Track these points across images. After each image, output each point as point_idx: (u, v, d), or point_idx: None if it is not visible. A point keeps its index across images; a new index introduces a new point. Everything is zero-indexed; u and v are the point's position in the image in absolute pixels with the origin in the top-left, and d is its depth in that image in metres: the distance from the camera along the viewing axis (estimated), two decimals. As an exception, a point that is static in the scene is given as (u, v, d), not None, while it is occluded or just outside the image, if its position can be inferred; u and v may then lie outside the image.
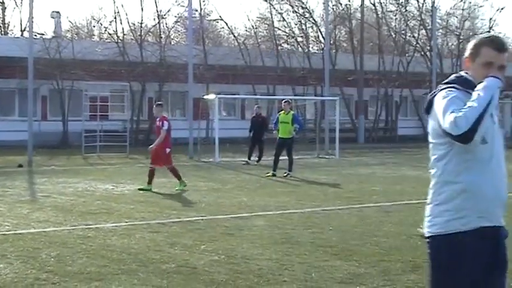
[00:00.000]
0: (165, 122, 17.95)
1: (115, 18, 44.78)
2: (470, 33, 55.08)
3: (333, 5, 48.87)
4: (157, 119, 18.33)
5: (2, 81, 38.62)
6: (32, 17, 29.66)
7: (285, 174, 21.28)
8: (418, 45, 51.80)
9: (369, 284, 7.90)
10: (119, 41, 43.91)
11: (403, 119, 52.74)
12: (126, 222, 12.44)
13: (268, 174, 21.43)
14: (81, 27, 51.10)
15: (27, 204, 14.79)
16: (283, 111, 22.06)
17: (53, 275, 8.18)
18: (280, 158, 21.85)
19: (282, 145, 21.72)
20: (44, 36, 43.39)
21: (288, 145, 21.61)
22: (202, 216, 13.15)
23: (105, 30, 47.21)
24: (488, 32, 54.40)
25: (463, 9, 53.29)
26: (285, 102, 22.79)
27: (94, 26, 49.77)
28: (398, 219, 13.09)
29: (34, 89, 30.48)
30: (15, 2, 48.82)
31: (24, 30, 45.52)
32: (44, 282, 7.90)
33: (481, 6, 54.44)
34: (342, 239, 10.77)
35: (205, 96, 33.48)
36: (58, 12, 45.59)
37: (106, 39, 46.21)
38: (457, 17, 53.68)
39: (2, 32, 49.82)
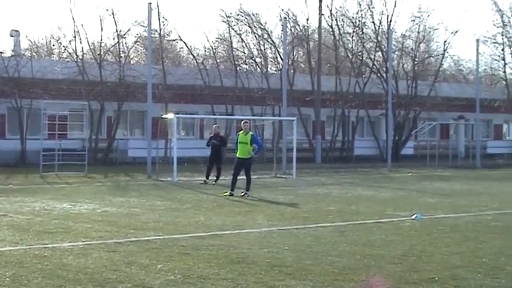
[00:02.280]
0: None
1: (74, 37, 44.55)
2: (426, 56, 55.81)
3: (291, 27, 49.12)
4: None
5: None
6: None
7: (242, 194, 21.27)
8: (374, 66, 52.13)
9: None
10: (78, 60, 43.74)
11: (359, 139, 53.03)
12: (83, 241, 12.34)
13: (225, 194, 21.41)
14: (41, 46, 50.83)
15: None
16: (242, 132, 22.07)
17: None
18: (238, 177, 21.87)
19: (240, 165, 21.72)
20: (2, 55, 43.15)
21: (246, 165, 21.63)
22: (159, 236, 13.10)
23: (65, 49, 46.95)
24: (443, 54, 55.23)
25: (418, 32, 53.86)
26: (244, 122, 22.79)
27: (53, 45, 49.49)
28: (352, 239, 13.17)
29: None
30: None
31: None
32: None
33: (435, 29, 55.15)
34: (297, 258, 10.81)
35: (164, 116, 33.45)
36: (17, 30, 45.37)
37: (65, 58, 45.99)
38: (412, 40, 54.22)
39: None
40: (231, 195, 21.24)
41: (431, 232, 14.12)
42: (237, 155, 21.87)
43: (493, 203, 20.58)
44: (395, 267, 10.17)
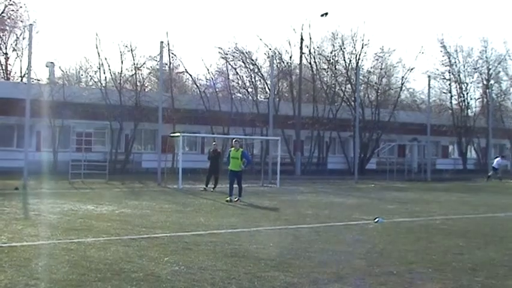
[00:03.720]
0: None
1: (99, 68, 44.67)
2: (387, 88, 55.99)
3: (277, 63, 49.24)
4: None
5: (3, 118, 38.07)
6: (31, 66, 29.38)
7: (236, 200, 21.22)
8: (344, 96, 52.29)
9: (301, 291, 7.92)
10: (102, 87, 43.78)
11: (331, 155, 53.20)
12: (103, 237, 12.27)
13: (227, 199, 21.30)
14: (71, 75, 50.77)
15: (21, 221, 14.51)
16: (233, 148, 22.03)
17: (40, 282, 8.03)
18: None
19: (233, 176, 21.68)
20: (39, 82, 43.13)
21: (238, 176, 21.57)
22: (166, 233, 13.03)
23: (91, 78, 47.04)
24: (401, 87, 55.51)
25: (381, 69, 54.05)
26: (235, 141, 22.77)
27: (82, 75, 49.52)
28: (326, 238, 13.14)
29: (30, 125, 30.11)
30: (17, 54, 48.39)
31: (24, 76, 44.95)
32: (32, 287, 7.76)
33: (395, 67, 55.40)
34: (280, 254, 10.77)
35: (172, 134, 33.40)
36: (52, 62, 45.25)
37: (91, 85, 46.01)
38: (376, 75, 54.38)
39: (5, 78, 49.18)
40: (230, 200, 21.14)
41: (391, 233, 14.11)
42: (230, 168, 21.81)
43: (441, 209, 20.61)
44: (361, 262, 10.16)
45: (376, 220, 15.83)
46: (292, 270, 9.18)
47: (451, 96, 60.97)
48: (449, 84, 60.49)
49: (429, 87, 46.77)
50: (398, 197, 26.23)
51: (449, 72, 59.93)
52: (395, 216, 17.75)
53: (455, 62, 59.82)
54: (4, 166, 34.97)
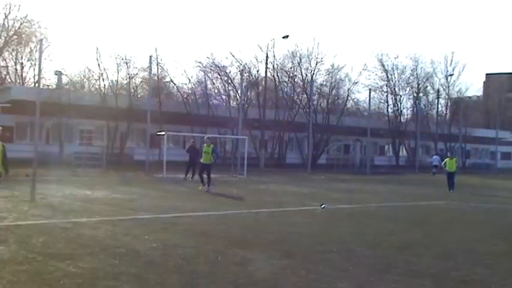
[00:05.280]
0: None
1: (99, 77, 44.15)
2: (336, 98, 56.23)
3: (247, 75, 49.25)
4: None
5: (19, 116, 37.28)
6: (41, 74, 28.81)
7: (206, 190, 20.60)
8: (301, 104, 52.48)
9: (258, 265, 7.79)
10: (101, 93, 43.24)
11: (289, 152, 53.31)
12: (96, 218, 12.04)
13: (199, 188, 20.90)
14: (76, 81, 49.86)
15: (27, 203, 14.18)
16: (206, 144, 21.63)
17: (38, 255, 7.80)
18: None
19: (203, 168, 21.24)
20: (49, 87, 42.45)
21: (208, 168, 21.14)
22: (148, 215, 12.85)
23: (92, 85, 46.42)
24: (347, 97, 55.93)
25: (331, 83, 54.38)
26: (207, 138, 22.45)
27: (85, 82, 48.76)
28: (281, 220, 13.09)
29: (40, 123, 29.54)
30: (31, 63, 47.59)
31: (36, 82, 44.20)
32: (30, 260, 7.52)
33: (342, 80, 55.69)
34: (242, 233, 10.67)
35: (158, 133, 33.05)
36: (60, 71, 44.56)
37: (93, 91, 45.39)
38: (327, 87, 54.67)
39: (21, 83, 48.32)
40: (201, 189, 20.67)
41: (334, 217, 14.11)
42: (202, 161, 21.40)
43: (376, 198, 20.70)
44: (308, 241, 10.10)
45: (322, 206, 15.78)
46: (251, 248, 9.08)
47: (388, 105, 61.73)
48: (387, 96, 61.26)
49: (370, 97, 47.07)
50: (342, 187, 26.31)
51: (386, 86, 60.62)
52: (338, 203, 17.78)
53: (391, 78, 60.46)
54: (19, 157, 34.19)
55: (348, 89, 56.06)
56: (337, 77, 54.83)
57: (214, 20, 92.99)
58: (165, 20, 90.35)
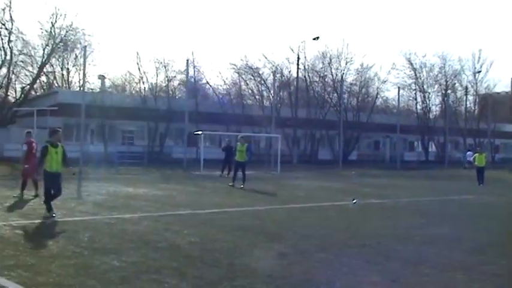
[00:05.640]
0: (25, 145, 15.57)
1: (140, 80, 44.64)
2: (365, 96, 55.69)
3: (279, 76, 49.19)
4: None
5: (66, 118, 37.93)
6: (86, 78, 29.29)
7: (241, 186, 20.59)
8: (332, 103, 52.15)
9: (293, 259, 7.72)
10: (142, 95, 43.70)
11: (321, 149, 53.00)
12: (138, 214, 12.13)
13: (230, 184, 20.84)
14: (118, 85, 50.57)
15: (74, 200, 14.41)
16: (240, 143, 21.55)
17: (84, 250, 7.90)
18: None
19: (238, 166, 21.18)
20: (93, 91, 43.09)
21: (242, 166, 21.11)
22: (187, 211, 12.91)
23: (133, 88, 46.96)
24: (376, 95, 55.38)
25: (360, 81, 53.90)
26: (240, 137, 22.38)
27: (126, 85, 49.42)
28: (313, 215, 12.99)
29: (85, 124, 30.03)
30: (76, 68, 48.38)
31: (81, 86, 44.95)
32: (77, 254, 7.62)
33: (372, 79, 55.21)
34: (276, 228, 10.62)
35: (195, 132, 33.25)
36: (103, 75, 45.19)
37: (134, 93, 45.90)
38: (356, 86, 54.23)
39: (67, 87, 49.21)
40: (233, 186, 20.60)
41: (365, 212, 13.94)
42: (236, 159, 21.34)
43: (407, 193, 20.39)
44: (340, 235, 9.99)
45: (354, 201, 15.61)
46: (284, 242, 9.02)
47: (416, 102, 60.84)
48: (415, 93, 60.33)
49: (399, 95, 46.69)
50: (373, 182, 25.98)
51: (415, 84, 59.65)
52: (370, 198, 17.53)
53: (419, 76, 59.50)
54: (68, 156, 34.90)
55: (377, 88, 55.58)
56: (367, 76, 54.44)
57: (247, 24, 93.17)
58: (201, 25, 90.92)
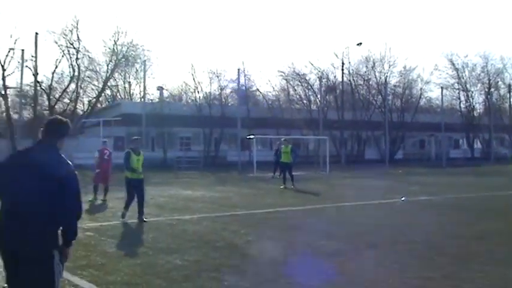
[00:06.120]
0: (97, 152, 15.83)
1: (195, 89, 45.21)
2: (409, 97, 54.56)
3: (325, 81, 48.85)
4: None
5: (129, 127, 38.69)
6: (146, 90, 29.87)
7: (291, 187, 20.30)
8: (376, 104, 51.41)
9: (346, 256, 7.58)
10: (197, 103, 44.22)
11: (367, 149, 52.23)
12: (197, 215, 12.23)
13: (281, 187, 20.54)
14: (175, 95, 51.44)
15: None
16: (284, 146, 21.35)
17: (149, 250, 8.01)
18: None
19: (285, 167, 20.96)
20: (152, 101, 43.89)
21: (288, 167, 20.68)
22: (243, 211, 12.92)
23: (189, 97, 47.62)
24: (420, 96, 54.25)
25: (404, 83, 52.92)
26: (284, 140, 22.18)
27: (183, 94, 50.20)
28: (363, 213, 12.73)
29: (146, 132, 30.65)
30: (136, 81, 49.52)
31: (142, 97, 45.94)
32: (143, 254, 7.74)
33: (415, 81, 54.05)
34: (328, 226, 10.47)
35: (248, 137, 33.35)
36: (161, 86, 46.03)
37: (190, 102, 46.50)
38: (400, 87, 53.25)
39: (129, 99, 50.42)
40: (284, 188, 20.36)
41: (414, 209, 13.58)
42: (281, 160, 21.16)
43: (454, 190, 19.73)
44: (390, 232, 9.75)
45: (402, 199, 15.25)
46: (337, 240, 8.87)
47: (460, 101, 59.11)
48: (458, 93, 58.64)
49: (442, 95, 45.56)
50: (419, 180, 25.31)
51: (457, 83, 57.95)
52: (417, 196, 17.06)
53: (462, 75, 57.78)
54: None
55: (421, 88, 54.36)
56: (410, 77, 53.33)
57: (293, 32, 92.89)
58: (250, 36, 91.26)
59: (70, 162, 3.86)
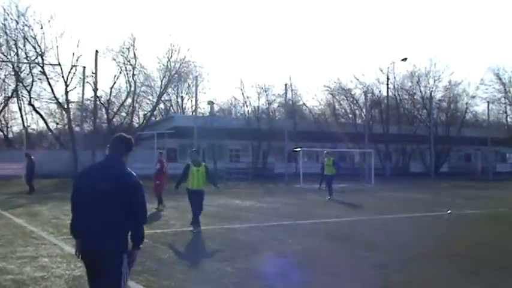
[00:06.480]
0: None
1: (243, 104, 45.56)
2: (454, 111, 53.20)
3: (370, 95, 48.25)
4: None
5: (182, 140, 39.36)
6: (197, 105, 30.31)
7: (328, 198, 19.97)
8: (421, 118, 50.35)
9: (391, 267, 7.44)
10: (246, 117, 44.48)
11: (412, 162, 51.12)
12: (246, 224, 12.31)
13: (327, 198, 20.31)
14: (225, 109, 52.06)
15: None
16: (326, 159, 21.25)
17: (200, 257, 8.11)
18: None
19: (327, 179, 20.81)
20: (204, 115, 44.49)
21: (330, 179, 20.49)
22: (290, 221, 12.87)
23: (238, 111, 48.03)
24: (465, 110, 52.74)
25: (449, 97, 51.63)
26: (326, 153, 22.05)
27: (232, 109, 50.71)
28: (408, 225, 12.42)
29: (198, 145, 31.02)
30: (188, 96, 50.38)
31: (193, 111, 46.66)
32: (194, 261, 7.82)
33: (460, 95, 52.68)
34: (373, 237, 10.29)
35: (295, 149, 33.28)
36: (211, 101, 46.65)
37: (239, 116, 46.86)
38: (445, 102, 51.98)
39: (182, 113, 51.30)
40: (330, 199, 20.17)
41: (460, 222, 13.18)
42: (325, 173, 21.04)
43: (501, 203, 19.00)
44: (436, 244, 9.50)
45: (448, 212, 14.84)
46: (382, 251, 8.71)
47: (507, 115, 57.03)
48: (505, 107, 56.59)
49: (488, 110, 44.14)
50: (465, 193, 24.54)
51: (504, 98, 56.00)
52: (463, 209, 16.56)
53: (509, 90, 55.81)
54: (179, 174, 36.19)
55: (466, 103, 52.85)
56: (455, 92, 51.98)
57: (339, 48, 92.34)
58: (297, 52, 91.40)
59: (135, 174, 4.13)
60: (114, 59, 42.07)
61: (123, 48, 41.84)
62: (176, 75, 45.16)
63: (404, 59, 46.15)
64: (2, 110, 42.09)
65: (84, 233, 4.00)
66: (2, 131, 44.18)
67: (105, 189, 3.95)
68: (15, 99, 40.79)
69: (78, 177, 4.24)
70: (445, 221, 13.28)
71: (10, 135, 46.56)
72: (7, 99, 41.36)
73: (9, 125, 45.91)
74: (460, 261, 7.93)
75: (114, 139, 4.28)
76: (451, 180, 36.95)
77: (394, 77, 49.47)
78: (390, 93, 48.69)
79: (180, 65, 44.49)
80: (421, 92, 50.38)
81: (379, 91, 49.72)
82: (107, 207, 3.93)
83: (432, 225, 12.41)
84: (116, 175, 4.02)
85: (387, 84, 47.31)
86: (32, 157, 22.47)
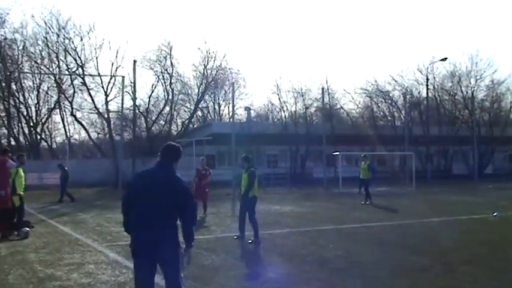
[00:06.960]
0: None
1: (280, 109, 45.54)
2: (498, 111, 51.75)
3: (409, 97, 47.41)
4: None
5: (219, 146, 39.63)
6: (234, 111, 30.42)
7: (363, 203, 19.54)
8: (463, 119, 49.12)
9: (437, 272, 7.29)
10: (283, 122, 44.48)
11: (455, 164, 49.92)
12: (286, 229, 12.28)
13: (362, 203, 19.73)
14: (261, 114, 52.15)
15: (230, 218, 14.92)
16: (363, 162, 21.02)
17: (241, 262, 8.12)
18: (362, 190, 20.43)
19: (363, 183, 20.67)
20: (241, 121, 44.71)
21: (365, 183, 20.33)
22: (330, 226, 12.78)
23: (275, 116, 48.02)
24: (510, 110, 51.16)
25: (492, 97, 50.24)
26: (363, 156, 21.83)
27: (269, 114, 50.74)
28: (453, 228, 12.14)
29: (235, 151, 31.10)
30: (225, 102, 50.78)
31: (231, 117, 46.97)
32: (236, 266, 7.84)
33: (504, 94, 51.19)
34: (416, 241, 10.10)
35: (333, 153, 33.03)
36: (248, 107, 46.77)
37: (276, 121, 46.86)
38: (488, 101, 50.61)
39: (219, 119, 51.71)
40: (370, 203, 19.71)
41: (508, 225, 12.78)
42: (360, 177, 20.88)
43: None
44: (484, 248, 9.23)
45: (494, 214, 14.42)
46: (428, 255, 8.54)
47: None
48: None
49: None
50: (511, 195, 23.81)
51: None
52: (510, 211, 16.07)
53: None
54: (221, 179, 36.40)
55: (510, 102, 51.28)
56: (498, 91, 50.50)
57: (375, 49, 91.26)
58: (333, 54, 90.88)
59: (184, 180, 4.48)
60: (152, 68, 42.83)
61: (160, 57, 42.55)
62: (213, 82, 45.53)
63: (444, 59, 45.18)
64: (46, 121, 43.44)
65: (140, 225, 4.30)
66: (46, 142, 45.54)
67: (158, 191, 4.31)
68: (58, 110, 42.05)
69: (133, 180, 4.56)
70: (491, 224, 12.91)
71: (54, 145, 48.01)
72: (50, 111, 42.66)
73: (52, 136, 47.35)
74: (510, 265, 7.69)
75: (165, 147, 4.61)
76: (496, 181, 35.85)
77: (434, 78, 48.47)
78: (430, 94, 47.76)
79: (217, 71, 44.88)
80: (462, 92, 49.18)
81: (419, 92, 48.80)
82: (160, 205, 4.28)
83: (478, 228, 12.08)
84: (168, 180, 4.39)
85: (427, 85, 46.44)
86: (66, 168, 23.39)
